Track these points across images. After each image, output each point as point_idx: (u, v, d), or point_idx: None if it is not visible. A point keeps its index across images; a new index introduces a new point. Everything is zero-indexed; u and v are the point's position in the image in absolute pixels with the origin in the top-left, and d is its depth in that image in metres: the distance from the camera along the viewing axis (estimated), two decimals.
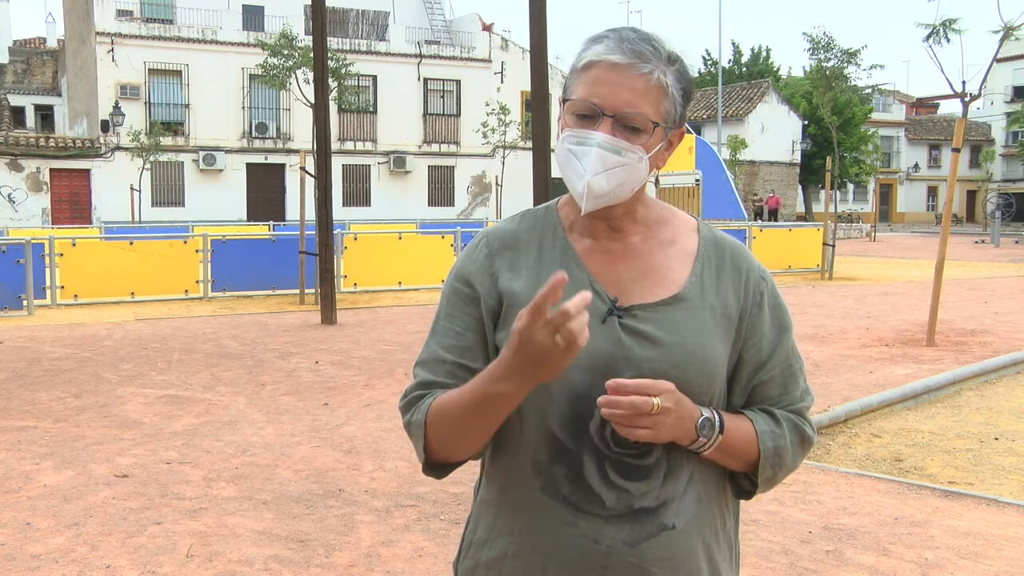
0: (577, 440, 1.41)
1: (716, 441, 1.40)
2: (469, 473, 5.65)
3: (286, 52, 25.48)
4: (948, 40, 14.13)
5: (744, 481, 1.50)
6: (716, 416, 1.41)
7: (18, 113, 37.75)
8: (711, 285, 1.47)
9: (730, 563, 1.53)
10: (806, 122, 46.79)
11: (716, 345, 1.43)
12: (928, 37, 13.89)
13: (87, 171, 32.57)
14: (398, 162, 37.18)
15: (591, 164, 1.38)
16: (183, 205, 33.62)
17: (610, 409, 1.33)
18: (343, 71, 26.58)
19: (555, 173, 1.46)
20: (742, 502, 1.57)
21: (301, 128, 33.05)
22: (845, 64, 24.72)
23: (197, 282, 15.19)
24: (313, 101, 12.88)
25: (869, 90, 35.55)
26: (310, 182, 13.63)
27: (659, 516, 1.41)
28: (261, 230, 25.08)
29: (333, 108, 23.44)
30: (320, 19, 12.08)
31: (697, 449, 1.41)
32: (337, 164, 30.11)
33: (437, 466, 1.49)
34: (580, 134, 1.39)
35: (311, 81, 13.95)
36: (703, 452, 1.41)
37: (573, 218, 1.50)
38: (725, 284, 1.48)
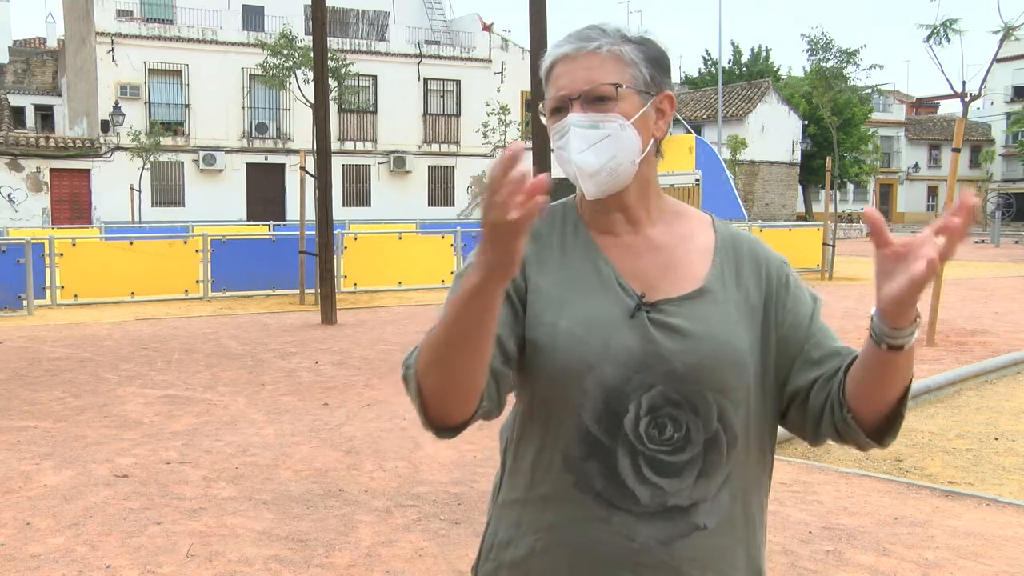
0: (612, 435, 1.40)
1: (917, 324, 1.30)
2: (469, 473, 5.68)
3: (286, 52, 25.50)
4: (948, 40, 14.16)
5: (873, 431, 1.40)
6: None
7: (18, 113, 37.77)
8: (731, 278, 1.48)
9: (762, 558, 1.53)
10: (806, 122, 46.76)
11: (744, 336, 1.44)
12: (928, 37, 13.91)
13: (87, 171, 32.57)
14: (398, 162, 37.17)
15: (573, 145, 1.43)
16: (183, 205, 33.61)
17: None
18: (343, 71, 26.59)
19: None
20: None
21: (301, 128, 33.03)
22: (844, 64, 24.71)
23: (197, 282, 15.20)
24: (313, 101, 12.88)
25: (869, 90, 35.53)
26: (310, 182, 13.63)
27: (691, 516, 1.40)
28: (261, 230, 25.07)
29: (333, 108, 23.45)
30: (320, 19, 12.09)
31: (909, 333, 1.28)
32: (337, 164, 30.08)
33: (441, 427, 1.37)
34: (557, 127, 1.46)
35: (311, 81, 13.95)
36: (910, 342, 1.29)
37: (590, 214, 1.51)
38: (745, 276, 1.49)
